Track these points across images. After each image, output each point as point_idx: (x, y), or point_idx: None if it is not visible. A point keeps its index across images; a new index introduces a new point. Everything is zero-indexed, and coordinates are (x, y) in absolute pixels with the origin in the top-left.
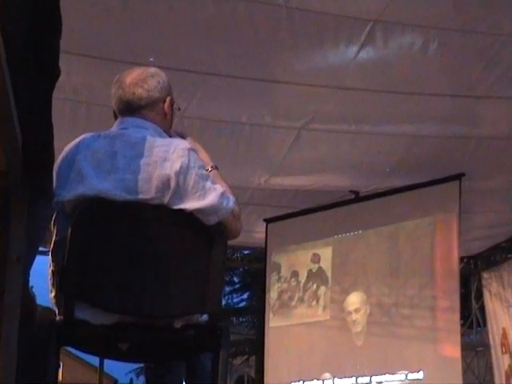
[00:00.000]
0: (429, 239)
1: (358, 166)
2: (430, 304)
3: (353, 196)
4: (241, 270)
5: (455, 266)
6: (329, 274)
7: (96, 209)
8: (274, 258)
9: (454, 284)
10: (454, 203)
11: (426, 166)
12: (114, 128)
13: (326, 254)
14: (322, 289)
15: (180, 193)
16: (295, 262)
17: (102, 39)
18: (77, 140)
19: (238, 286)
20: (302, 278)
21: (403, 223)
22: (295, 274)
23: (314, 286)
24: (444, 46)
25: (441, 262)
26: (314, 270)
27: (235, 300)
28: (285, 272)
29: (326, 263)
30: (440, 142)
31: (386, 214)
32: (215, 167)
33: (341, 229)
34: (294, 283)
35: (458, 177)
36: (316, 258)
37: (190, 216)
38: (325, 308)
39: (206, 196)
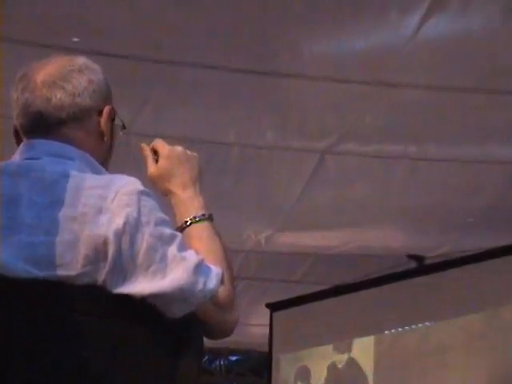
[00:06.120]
0: None
1: (421, 215)
2: None
3: (413, 264)
4: None
5: None
6: (369, 374)
7: None
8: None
9: None
10: None
11: None
12: (17, 157)
13: (363, 339)
14: None
15: (124, 267)
16: (304, 353)
17: None
18: None
19: None
20: (319, 380)
21: (497, 311)
22: (304, 374)
23: None
24: None
25: None
26: (340, 365)
27: None
28: (284, 371)
29: (363, 354)
30: None
31: (469, 294)
32: (205, 216)
33: (392, 320)
34: None
35: None
36: (344, 345)
37: (141, 305)
38: None
39: (168, 272)
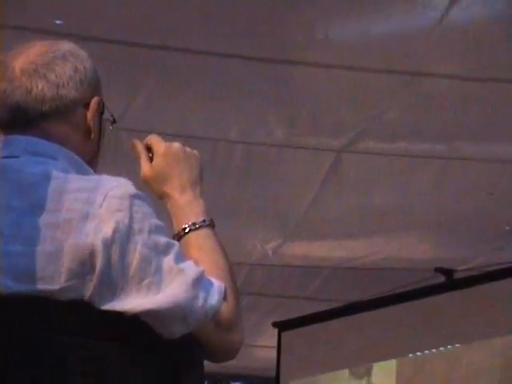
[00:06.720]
0: None
1: (451, 223)
2: None
3: (442, 279)
4: None
5: None
6: None
7: None
8: None
9: None
10: None
11: None
12: None
13: (384, 363)
14: None
15: (113, 281)
16: (316, 379)
17: None
18: None
19: None
20: None
21: None
22: None
23: None
24: None
25: None
26: None
27: None
28: None
29: (384, 380)
30: None
31: (504, 312)
32: (206, 222)
33: (417, 341)
34: None
35: None
36: (362, 370)
37: (133, 324)
38: None
39: (164, 286)
